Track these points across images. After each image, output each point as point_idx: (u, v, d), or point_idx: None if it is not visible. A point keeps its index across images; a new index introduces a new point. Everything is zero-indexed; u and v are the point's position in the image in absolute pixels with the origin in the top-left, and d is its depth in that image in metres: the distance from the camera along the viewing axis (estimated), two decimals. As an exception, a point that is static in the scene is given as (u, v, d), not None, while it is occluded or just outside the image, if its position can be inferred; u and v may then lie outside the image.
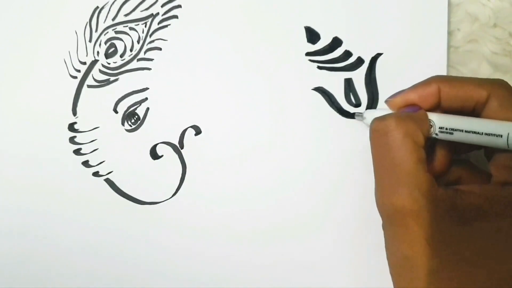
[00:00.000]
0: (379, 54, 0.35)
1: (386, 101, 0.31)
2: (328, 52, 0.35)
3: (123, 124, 0.36)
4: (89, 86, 0.36)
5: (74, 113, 0.36)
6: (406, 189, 0.27)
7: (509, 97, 0.28)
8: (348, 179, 0.34)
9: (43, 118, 0.36)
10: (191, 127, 0.36)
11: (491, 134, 0.28)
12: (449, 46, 0.36)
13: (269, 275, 0.35)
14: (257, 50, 0.35)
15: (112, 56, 0.36)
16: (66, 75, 0.36)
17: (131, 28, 0.36)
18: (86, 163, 0.36)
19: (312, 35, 0.35)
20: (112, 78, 0.36)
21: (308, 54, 0.35)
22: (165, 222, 0.35)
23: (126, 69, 0.36)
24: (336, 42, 0.35)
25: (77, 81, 0.36)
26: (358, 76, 0.35)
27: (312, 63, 0.35)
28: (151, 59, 0.36)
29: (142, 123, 0.36)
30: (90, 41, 0.36)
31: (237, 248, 0.35)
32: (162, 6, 0.36)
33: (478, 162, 0.32)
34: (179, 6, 0.36)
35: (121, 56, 0.36)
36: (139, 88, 0.36)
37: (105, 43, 0.36)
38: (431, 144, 0.30)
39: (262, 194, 0.35)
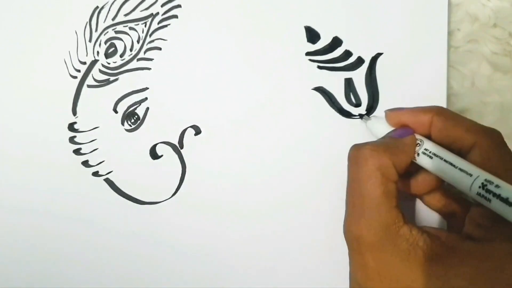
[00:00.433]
0: (379, 54, 0.35)
1: (385, 112, 0.32)
2: (328, 52, 0.35)
3: (123, 124, 0.36)
4: (89, 86, 0.36)
5: (74, 113, 0.36)
6: (368, 220, 0.27)
7: (493, 149, 0.28)
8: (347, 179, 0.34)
9: (43, 118, 0.36)
10: (191, 127, 0.35)
11: (464, 170, 0.28)
12: (449, 46, 0.36)
13: (269, 275, 0.35)
14: (257, 50, 0.35)
15: (112, 56, 0.36)
16: (66, 75, 0.36)
17: (131, 28, 0.36)
18: (86, 163, 0.36)
19: (312, 35, 0.35)
20: (112, 78, 0.36)
21: (308, 54, 0.35)
22: (164, 222, 0.35)
23: (126, 69, 0.36)
24: (336, 42, 0.35)
25: (77, 81, 0.36)
26: (358, 76, 0.35)
27: (312, 63, 0.35)
28: (151, 59, 0.36)
29: (142, 123, 0.36)
30: (90, 41, 0.36)
31: (237, 248, 0.35)
32: (162, 6, 0.36)
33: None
34: (179, 6, 0.36)
35: (121, 56, 0.36)
36: (139, 88, 0.36)
37: (105, 43, 0.36)
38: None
39: (262, 194, 0.35)
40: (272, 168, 0.35)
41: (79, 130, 0.36)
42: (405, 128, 0.31)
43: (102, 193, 0.36)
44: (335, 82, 0.35)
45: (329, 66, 0.35)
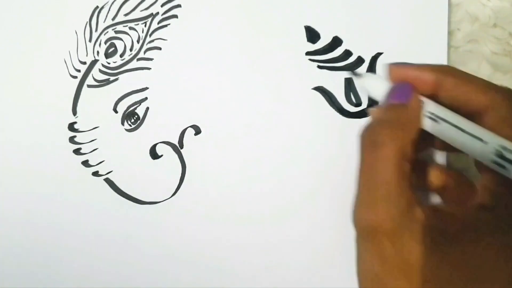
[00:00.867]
0: (379, 54, 0.35)
1: (388, 65, 0.29)
2: (328, 52, 0.35)
3: (123, 123, 0.36)
4: (89, 86, 0.36)
5: (74, 112, 0.36)
6: (385, 207, 0.25)
7: (510, 110, 0.26)
8: (348, 178, 0.34)
9: (43, 117, 0.36)
10: (191, 126, 0.35)
11: (475, 136, 0.25)
12: (449, 46, 0.35)
13: (269, 275, 0.35)
14: (257, 49, 0.35)
15: (112, 56, 0.36)
16: (66, 75, 0.36)
17: (131, 28, 0.36)
18: (86, 163, 0.36)
19: (312, 35, 0.35)
20: (112, 78, 0.36)
21: (308, 53, 0.35)
22: (164, 222, 0.35)
23: (126, 69, 0.36)
24: (336, 42, 0.35)
25: (77, 81, 0.36)
26: (358, 76, 0.35)
27: (312, 62, 0.35)
28: (151, 59, 0.36)
29: (142, 123, 0.36)
30: (90, 40, 0.36)
31: (237, 248, 0.35)
32: (161, 6, 0.36)
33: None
34: (179, 5, 0.36)
35: (121, 55, 0.36)
36: (138, 88, 0.36)
37: (105, 42, 0.36)
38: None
39: (262, 194, 0.35)
40: (272, 168, 0.35)
41: (79, 130, 0.36)
42: (402, 84, 0.28)
43: (102, 193, 0.36)
44: (335, 82, 0.35)
45: (329, 65, 0.35)
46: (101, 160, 0.36)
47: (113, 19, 0.36)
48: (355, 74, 0.30)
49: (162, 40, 0.36)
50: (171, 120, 0.35)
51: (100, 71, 0.36)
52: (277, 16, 0.35)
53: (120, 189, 0.36)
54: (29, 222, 0.36)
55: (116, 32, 0.36)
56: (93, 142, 0.36)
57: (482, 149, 0.25)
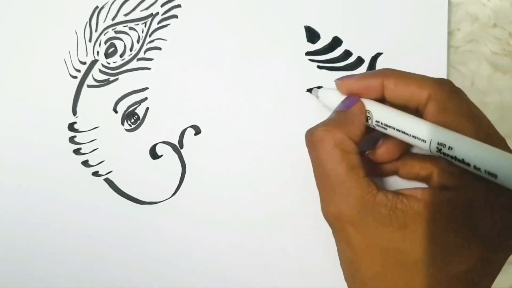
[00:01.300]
0: (379, 54, 0.35)
1: (334, 81, 0.32)
2: (328, 52, 0.35)
3: (122, 124, 0.36)
4: (89, 86, 0.36)
5: (74, 113, 0.36)
6: (342, 197, 0.27)
7: (447, 98, 0.28)
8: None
9: (43, 117, 0.36)
10: (190, 126, 0.35)
11: (417, 137, 0.28)
12: (449, 46, 0.35)
13: (269, 275, 0.35)
14: (257, 49, 0.35)
15: (112, 56, 0.36)
16: (66, 75, 0.36)
17: (130, 28, 0.36)
18: (86, 163, 0.36)
19: (312, 35, 0.35)
20: (112, 78, 0.36)
21: (308, 53, 0.35)
22: (164, 222, 0.35)
23: (126, 69, 0.36)
24: (336, 42, 0.35)
25: (77, 81, 0.36)
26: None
27: (312, 62, 0.35)
28: (151, 59, 0.36)
29: (142, 123, 0.36)
30: (90, 41, 0.36)
31: (237, 248, 0.35)
32: (161, 6, 0.36)
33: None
34: (179, 5, 0.36)
35: (121, 56, 0.36)
36: (138, 88, 0.36)
37: (105, 43, 0.36)
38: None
39: (262, 193, 0.35)
40: (272, 168, 0.35)
41: (79, 130, 0.36)
42: (351, 97, 0.31)
43: (102, 193, 0.36)
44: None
45: (329, 66, 0.35)
46: (101, 160, 0.36)
47: (113, 19, 0.36)
48: (311, 91, 0.34)
49: (162, 40, 0.36)
50: (171, 120, 0.35)
51: (100, 71, 0.36)
52: (277, 16, 0.35)
53: (120, 189, 0.36)
54: (29, 221, 0.36)
55: (116, 32, 0.36)
56: (93, 142, 0.36)
57: (426, 147, 0.27)
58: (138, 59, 0.36)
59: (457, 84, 0.35)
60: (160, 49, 0.36)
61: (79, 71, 0.36)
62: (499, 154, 0.25)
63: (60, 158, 0.36)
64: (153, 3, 0.36)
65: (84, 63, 0.36)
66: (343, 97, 0.31)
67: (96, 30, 0.36)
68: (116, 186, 0.36)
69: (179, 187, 0.35)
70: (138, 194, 0.36)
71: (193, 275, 0.35)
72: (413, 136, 0.28)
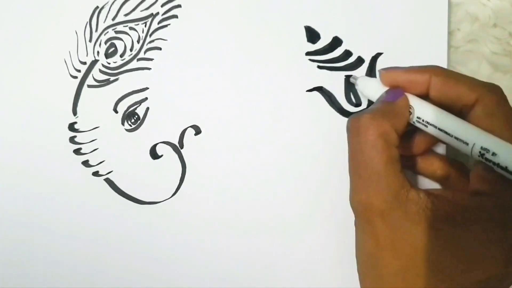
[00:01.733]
0: (379, 54, 0.35)
1: (379, 71, 0.31)
2: (328, 52, 0.35)
3: (123, 124, 0.36)
4: (89, 86, 0.36)
5: (74, 113, 0.36)
6: (376, 188, 0.27)
7: (496, 104, 0.28)
8: (348, 178, 0.34)
9: (43, 118, 0.36)
10: (191, 126, 0.36)
11: (460, 139, 0.27)
12: (449, 46, 0.36)
13: (269, 275, 0.35)
14: (257, 50, 0.35)
15: (112, 56, 0.36)
16: (66, 75, 0.36)
17: (131, 28, 0.36)
18: (86, 163, 0.36)
19: (312, 35, 0.35)
20: (112, 78, 0.36)
21: (308, 53, 0.35)
22: (165, 222, 0.35)
23: (126, 69, 0.36)
24: (336, 42, 0.35)
25: (77, 81, 0.36)
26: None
27: (312, 62, 0.35)
28: (151, 59, 0.36)
29: (142, 123, 0.36)
30: (90, 41, 0.36)
31: (237, 248, 0.35)
32: (162, 6, 0.36)
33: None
34: (179, 5, 0.36)
35: (121, 56, 0.36)
36: (139, 88, 0.36)
37: (105, 43, 0.36)
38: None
39: (263, 193, 0.35)
40: (272, 168, 0.35)
41: (79, 130, 0.36)
42: (396, 90, 0.30)
43: (102, 193, 0.36)
44: (335, 82, 0.35)
45: (329, 66, 0.35)
46: (101, 160, 0.36)
47: (113, 19, 0.36)
48: (351, 77, 0.33)
49: (162, 40, 0.36)
50: (171, 120, 0.35)
51: (100, 71, 0.36)
52: (277, 16, 0.35)
53: (120, 189, 0.36)
54: (29, 222, 0.36)
55: (116, 32, 0.36)
56: (93, 142, 0.36)
57: (467, 149, 0.27)
58: (138, 59, 0.36)
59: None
60: (160, 49, 0.36)
61: (79, 71, 0.36)
62: None
63: (60, 158, 0.36)
64: (153, 3, 0.36)
65: (84, 63, 0.36)
66: (383, 88, 0.30)
67: (96, 30, 0.36)
68: (116, 186, 0.36)
69: (179, 187, 0.35)
70: (138, 194, 0.36)
71: (193, 275, 0.35)
72: (455, 138, 0.27)
